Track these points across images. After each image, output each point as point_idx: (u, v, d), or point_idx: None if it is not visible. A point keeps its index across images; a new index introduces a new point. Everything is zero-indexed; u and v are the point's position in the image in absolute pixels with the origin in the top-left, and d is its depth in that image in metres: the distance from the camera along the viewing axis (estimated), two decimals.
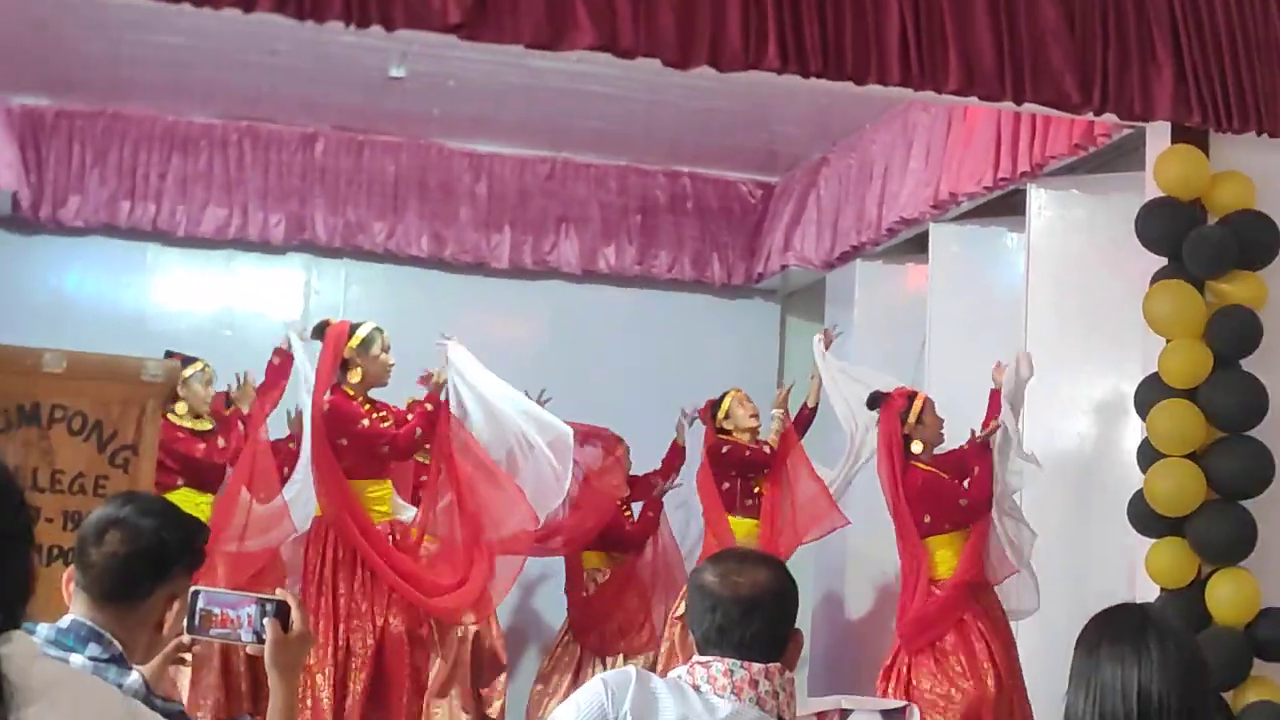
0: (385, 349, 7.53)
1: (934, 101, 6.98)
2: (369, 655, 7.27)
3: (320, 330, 7.51)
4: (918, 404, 7.46)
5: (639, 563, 9.09)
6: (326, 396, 7.33)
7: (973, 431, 7.43)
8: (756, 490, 8.50)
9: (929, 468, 7.37)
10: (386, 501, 7.58)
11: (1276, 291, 6.01)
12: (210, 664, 7.33)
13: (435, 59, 8.33)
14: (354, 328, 7.50)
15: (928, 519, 7.27)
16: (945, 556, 7.28)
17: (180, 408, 7.73)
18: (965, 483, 7.29)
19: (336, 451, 7.29)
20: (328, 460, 7.29)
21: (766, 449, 8.57)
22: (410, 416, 7.65)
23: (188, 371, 7.80)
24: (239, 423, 7.88)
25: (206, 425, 7.85)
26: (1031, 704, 6.97)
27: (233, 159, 9.98)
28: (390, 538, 7.45)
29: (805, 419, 8.79)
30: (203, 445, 7.74)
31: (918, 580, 7.27)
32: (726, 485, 8.53)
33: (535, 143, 10.24)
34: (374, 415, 7.48)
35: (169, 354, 7.80)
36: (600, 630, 8.91)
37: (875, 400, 7.58)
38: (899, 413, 7.46)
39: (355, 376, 7.44)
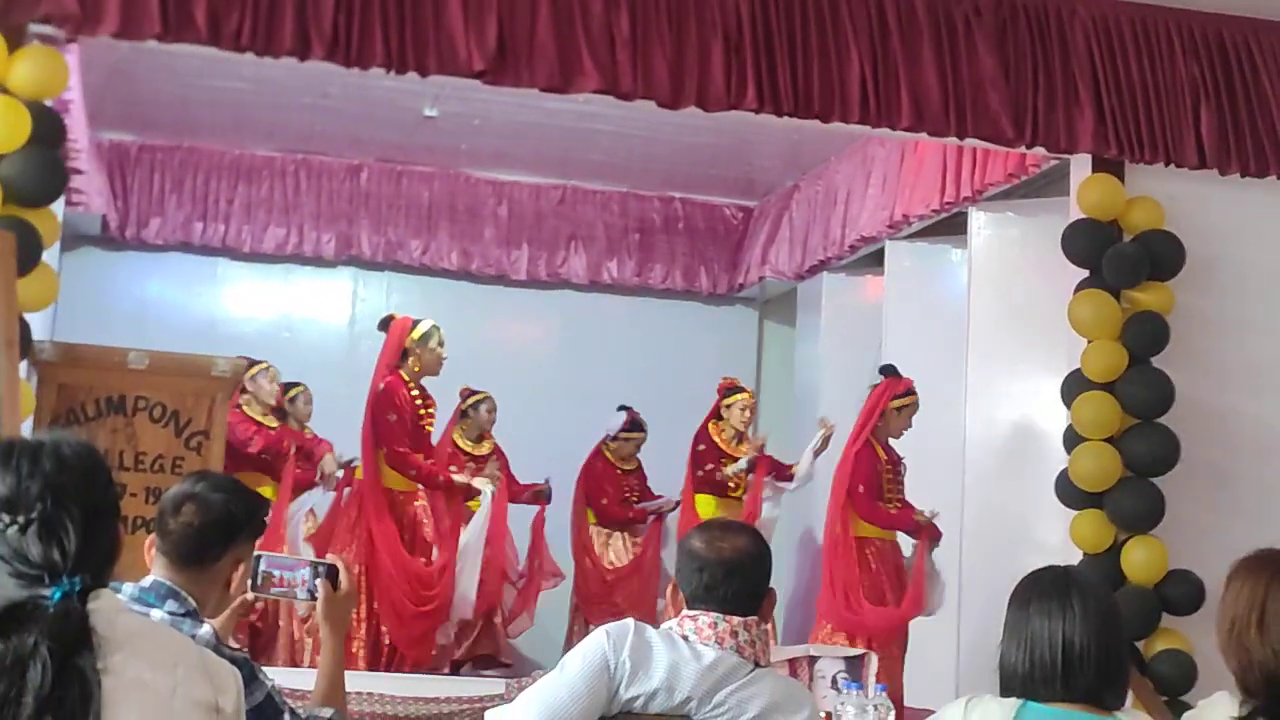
0: (440, 343, 7.46)
1: (889, 137, 6.97)
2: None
3: (385, 323, 7.49)
4: (907, 400, 7.36)
5: (646, 558, 8.83)
6: (387, 378, 7.31)
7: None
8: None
9: (881, 451, 7.33)
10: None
11: (1183, 299, 6.01)
12: None
13: (463, 101, 8.33)
14: (415, 323, 7.45)
15: (861, 489, 7.16)
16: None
17: (250, 403, 7.74)
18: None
19: (384, 426, 7.24)
20: (369, 438, 7.29)
21: (731, 480, 8.38)
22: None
23: (254, 370, 7.78)
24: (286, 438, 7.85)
25: (272, 421, 7.83)
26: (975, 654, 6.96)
27: (290, 186, 9.98)
28: (401, 534, 7.36)
29: (776, 473, 8.46)
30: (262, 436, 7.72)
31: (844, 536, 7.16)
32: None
33: (548, 172, 10.23)
34: (421, 400, 7.44)
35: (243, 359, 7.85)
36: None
37: (887, 371, 7.49)
38: (893, 394, 7.34)
39: (415, 365, 7.40)
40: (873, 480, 7.16)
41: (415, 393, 7.38)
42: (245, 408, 7.65)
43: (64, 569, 2.02)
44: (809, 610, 9.01)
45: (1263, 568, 2.96)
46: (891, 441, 7.37)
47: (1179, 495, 5.84)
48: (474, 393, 8.52)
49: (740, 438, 8.51)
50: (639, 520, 8.86)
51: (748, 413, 8.55)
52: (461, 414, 8.48)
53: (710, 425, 8.50)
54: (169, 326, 9.45)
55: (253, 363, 7.77)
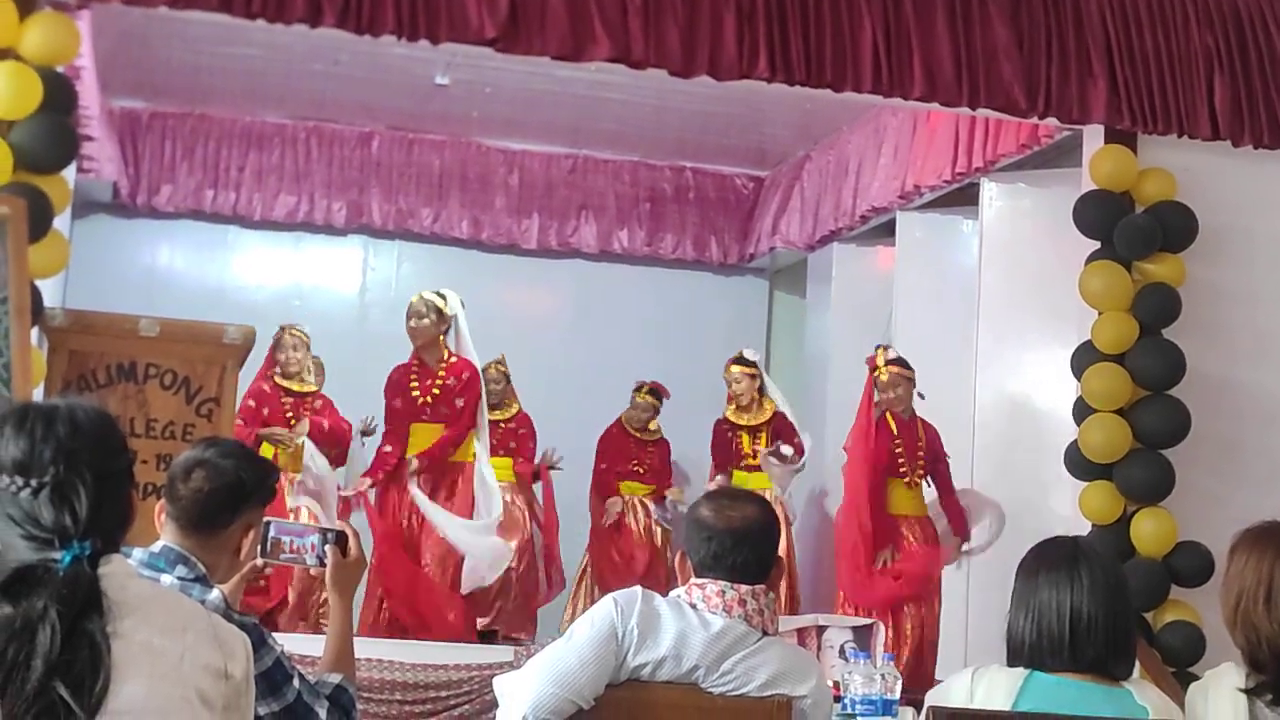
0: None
1: (901, 106, 6.95)
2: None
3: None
4: (883, 370, 7.35)
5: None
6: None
7: None
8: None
9: (893, 425, 7.32)
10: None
11: (1194, 271, 5.99)
12: None
13: (474, 69, 8.31)
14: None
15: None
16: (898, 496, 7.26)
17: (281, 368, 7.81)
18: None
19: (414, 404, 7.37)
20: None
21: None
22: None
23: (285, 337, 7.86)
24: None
25: (300, 386, 7.85)
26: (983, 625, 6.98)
27: (301, 154, 9.96)
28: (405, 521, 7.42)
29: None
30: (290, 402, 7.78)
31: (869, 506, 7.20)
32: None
33: (560, 141, 10.21)
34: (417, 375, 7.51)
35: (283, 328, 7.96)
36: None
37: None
38: (871, 369, 7.37)
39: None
40: (882, 458, 7.19)
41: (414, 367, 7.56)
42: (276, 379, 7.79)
43: (75, 533, 2.03)
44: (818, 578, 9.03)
45: (1268, 542, 2.96)
46: (920, 414, 7.41)
47: (1189, 467, 5.83)
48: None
49: (750, 408, 8.62)
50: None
51: (741, 383, 8.63)
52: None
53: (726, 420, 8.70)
54: (180, 294, 9.46)
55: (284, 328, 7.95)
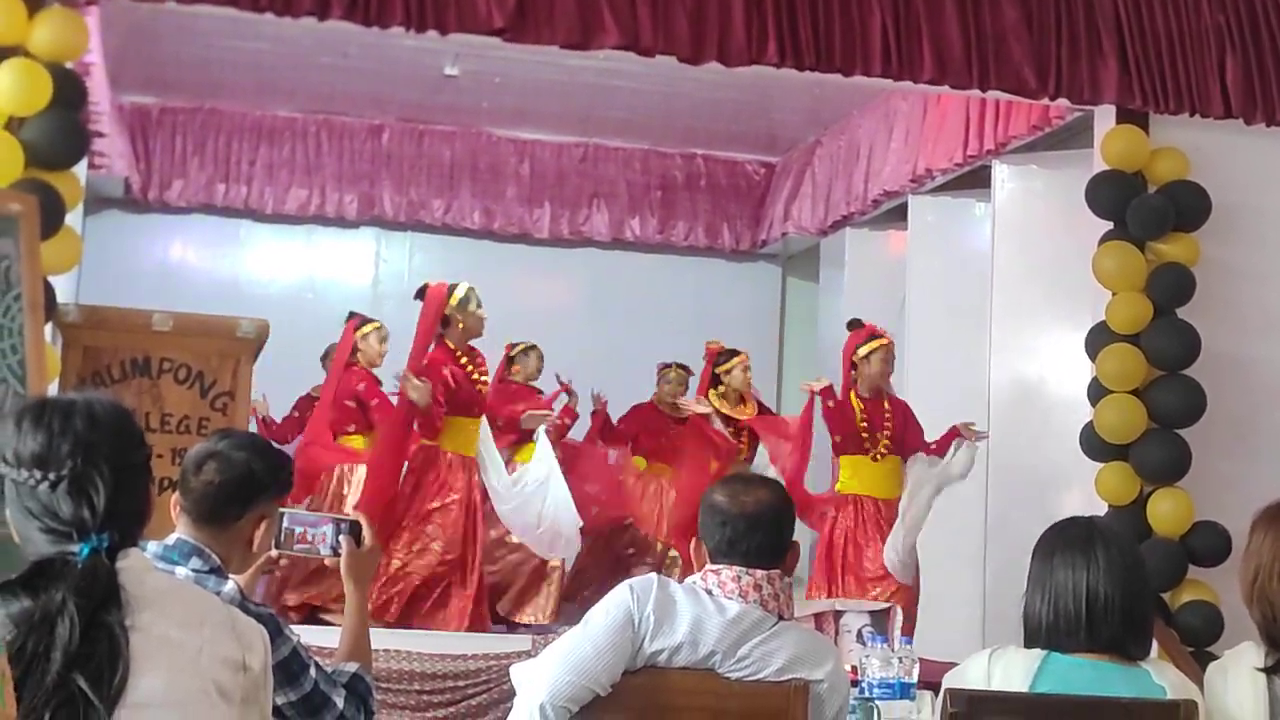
0: (479, 304, 7.37)
1: (911, 90, 6.94)
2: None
3: (421, 292, 7.36)
4: (872, 345, 7.21)
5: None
6: (431, 349, 7.24)
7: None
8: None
9: (857, 402, 7.17)
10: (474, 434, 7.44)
11: (1208, 250, 5.97)
12: None
13: (483, 59, 8.32)
14: (451, 288, 7.32)
15: (838, 439, 7.11)
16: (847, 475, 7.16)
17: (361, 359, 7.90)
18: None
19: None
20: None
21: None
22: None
23: (365, 330, 7.93)
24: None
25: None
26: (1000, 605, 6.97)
27: (312, 147, 9.99)
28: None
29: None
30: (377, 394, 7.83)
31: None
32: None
33: (570, 130, 10.22)
34: (471, 364, 7.41)
35: (351, 314, 8.03)
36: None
37: (852, 325, 7.34)
38: (856, 344, 7.23)
39: (460, 330, 7.35)
40: (846, 432, 7.10)
41: (464, 360, 7.33)
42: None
43: (93, 526, 2.04)
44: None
45: None
46: (898, 389, 7.29)
47: (1204, 447, 5.82)
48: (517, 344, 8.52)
49: (742, 398, 8.31)
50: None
51: (749, 372, 8.33)
52: (509, 361, 8.48)
53: (710, 395, 8.21)
54: (193, 288, 9.49)
55: (364, 321, 8.01)
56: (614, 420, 8.89)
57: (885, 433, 7.07)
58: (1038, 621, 2.88)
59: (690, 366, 8.91)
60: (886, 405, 7.15)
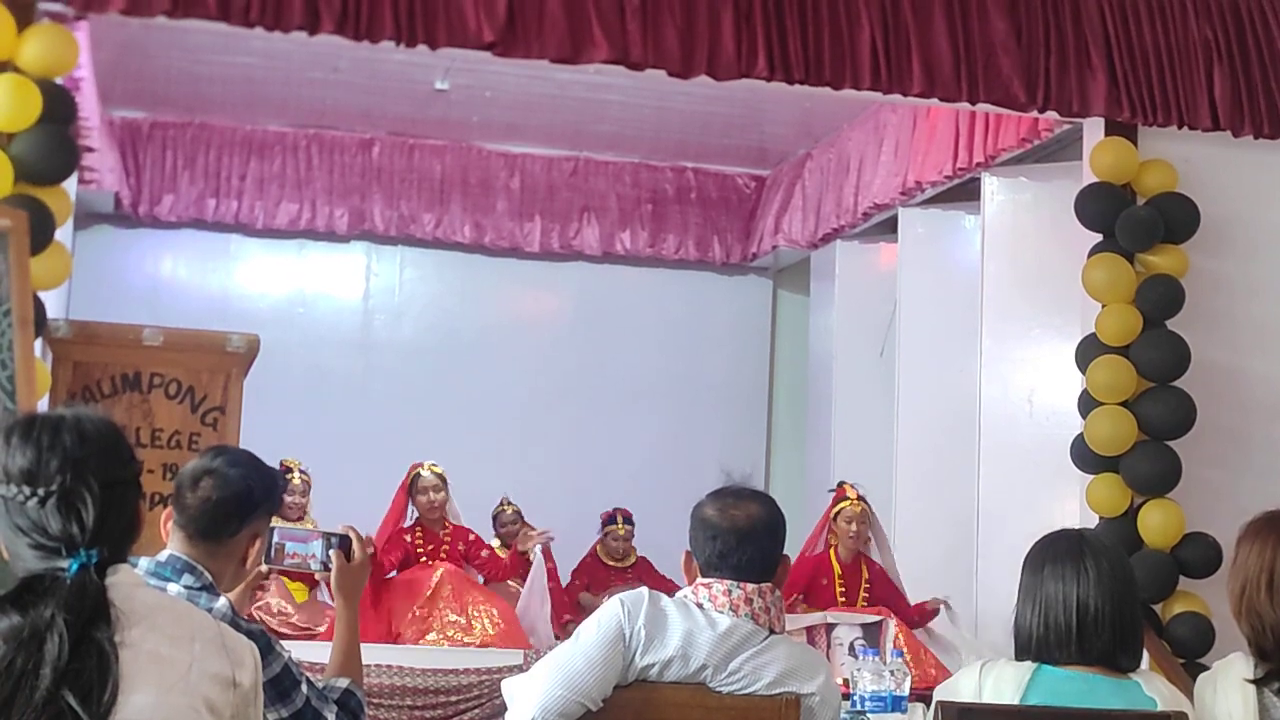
0: (433, 484, 7.51)
1: (901, 103, 6.94)
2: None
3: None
4: (842, 506, 7.23)
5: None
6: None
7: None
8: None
9: (836, 564, 7.17)
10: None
11: (1197, 262, 5.99)
12: None
13: (474, 73, 8.32)
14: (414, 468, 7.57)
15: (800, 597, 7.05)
16: None
17: None
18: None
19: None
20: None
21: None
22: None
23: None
24: None
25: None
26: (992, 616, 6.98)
27: (302, 162, 9.97)
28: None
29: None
30: None
31: None
32: None
33: (560, 144, 10.22)
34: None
35: None
36: None
37: (840, 485, 7.40)
38: (835, 503, 7.27)
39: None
40: (813, 589, 7.08)
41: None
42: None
43: (82, 542, 2.04)
44: None
45: (1271, 530, 2.97)
46: (876, 553, 7.28)
47: (1195, 458, 5.83)
48: None
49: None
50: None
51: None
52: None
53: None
54: (183, 303, 9.48)
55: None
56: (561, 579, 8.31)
57: (864, 597, 7.13)
58: (1028, 634, 2.88)
59: (630, 516, 8.54)
60: (866, 573, 7.18)
